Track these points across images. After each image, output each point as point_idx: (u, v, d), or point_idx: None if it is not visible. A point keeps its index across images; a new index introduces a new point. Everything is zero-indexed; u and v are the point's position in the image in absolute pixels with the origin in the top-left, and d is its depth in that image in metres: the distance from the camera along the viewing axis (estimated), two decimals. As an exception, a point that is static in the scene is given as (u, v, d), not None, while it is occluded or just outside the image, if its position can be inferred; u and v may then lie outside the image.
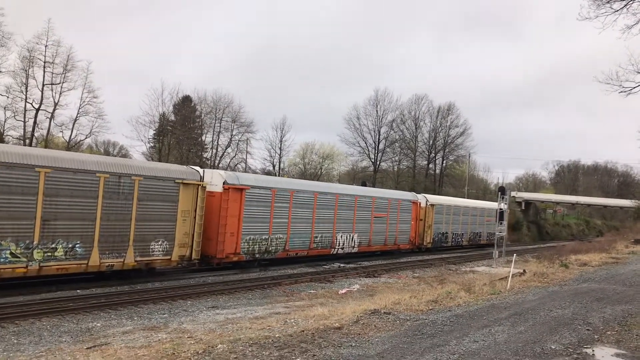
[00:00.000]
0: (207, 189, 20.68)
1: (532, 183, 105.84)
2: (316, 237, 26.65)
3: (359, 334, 9.82)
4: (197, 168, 21.48)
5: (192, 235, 19.85)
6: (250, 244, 22.82)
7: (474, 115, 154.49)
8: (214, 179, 21.69)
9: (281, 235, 24.42)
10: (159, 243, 18.80)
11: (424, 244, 37.19)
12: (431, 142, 70.84)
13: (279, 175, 56.90)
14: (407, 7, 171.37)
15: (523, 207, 72.22)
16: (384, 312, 11.82)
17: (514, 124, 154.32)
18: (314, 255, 27.07)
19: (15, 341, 11.15)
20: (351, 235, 29.38)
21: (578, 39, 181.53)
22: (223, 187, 21.51)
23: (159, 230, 18.83)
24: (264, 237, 23.50)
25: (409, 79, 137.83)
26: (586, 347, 9.66)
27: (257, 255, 23.27)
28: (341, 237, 28.57)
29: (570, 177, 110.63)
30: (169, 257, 19.15)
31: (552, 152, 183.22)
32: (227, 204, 21.46)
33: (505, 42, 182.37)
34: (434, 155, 71.30)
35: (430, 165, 71.59)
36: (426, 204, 37.27)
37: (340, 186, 33.90)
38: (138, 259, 18.12)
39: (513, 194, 67.67)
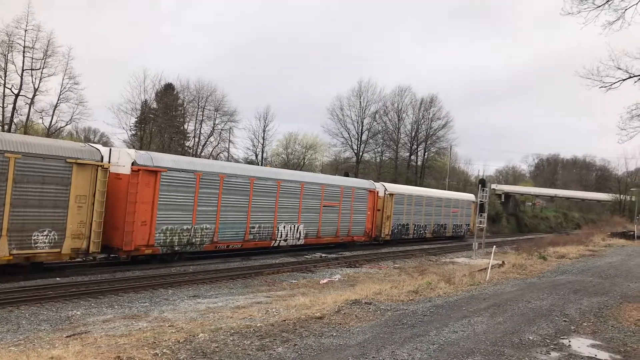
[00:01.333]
0: (111, 171, 18.38)
1: (512, 176, 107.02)
2: (252, 227, 23.98)
3: (340, 324, 9.89)
4: (99, 146, 18.94)
5: (90, 224, 17.19)
6: (168, 234, 20.24)
7: (456, 108, 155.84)
8: (122, 159, 19.05)
9: (208, 225, 21.82)
10: (45, 233, 16.05)
11: (382, 236, 34.77)
12: (413, 134, 71.13)
13: (261, 165, 56.67)
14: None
15: (503, 200, 73.10)
16: (365, 302, 11.90)
17: (495, 118, 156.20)
18: (251, 247, 24.54)
19: (-8, 329, 11.03)
20: (296, 225, 26.71)
21: (561, 34, 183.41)
22: (132, 168, 18.82)
23: (45, 219, 16.06)
24: (185, 227, 20.85)
25: (392, 71, 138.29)
26: (563, 338, 9.85)
27: (176, 248, 20.71)
28: (284, 227, 25.94)
29: (550, 170, 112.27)
30: (58, 250, 16.41)
31: (532, 146, 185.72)
32: (137, 188, 18.86)
33: (489, 37, 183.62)
34: (416, 147, 71.61)
35: (412, 157, 71.92)
36: (384, 193, 34.87)
37: (283, 171, 30.45)
38: (15, 252, 15.32)
39: (493, 186, 68.56)
